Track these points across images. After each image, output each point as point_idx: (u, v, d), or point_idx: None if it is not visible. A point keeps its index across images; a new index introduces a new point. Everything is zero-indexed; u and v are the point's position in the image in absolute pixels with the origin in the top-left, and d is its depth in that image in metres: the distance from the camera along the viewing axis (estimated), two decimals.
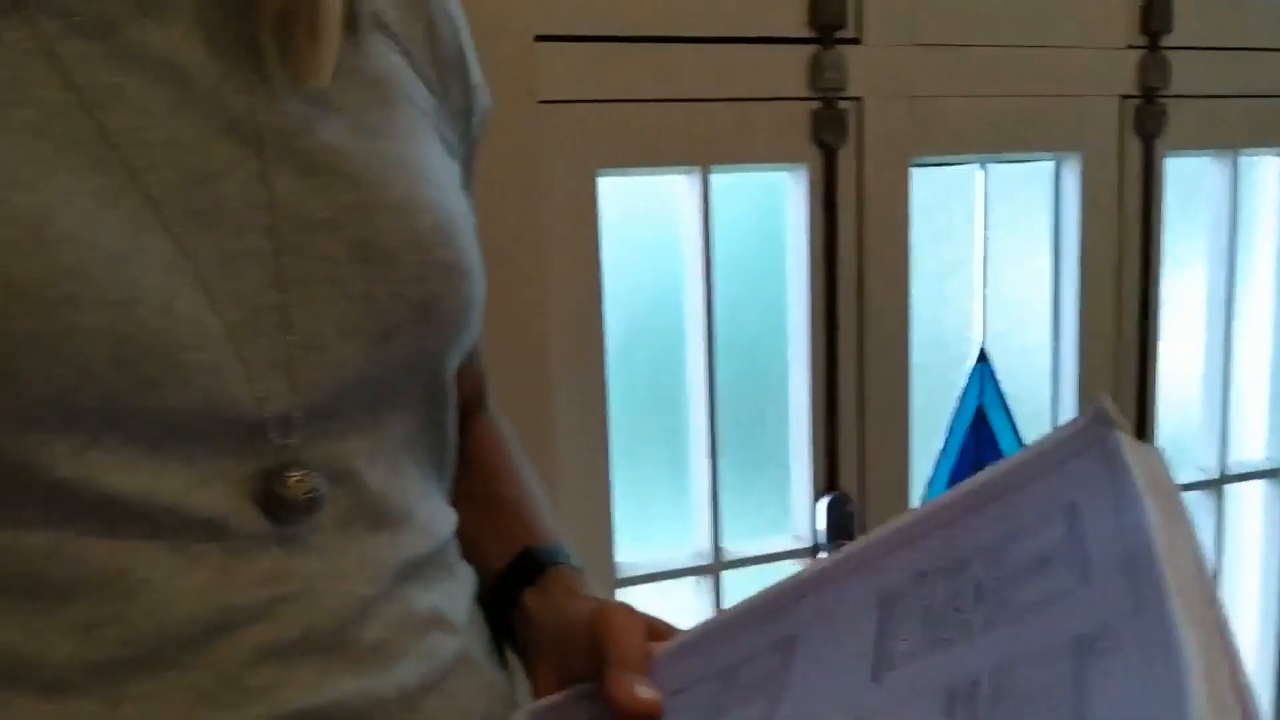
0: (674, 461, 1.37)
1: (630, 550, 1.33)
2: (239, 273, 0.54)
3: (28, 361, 0.48)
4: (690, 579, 1.38)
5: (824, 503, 1.39)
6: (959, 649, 0.45)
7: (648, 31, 1.22)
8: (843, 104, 1.33)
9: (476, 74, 0.70)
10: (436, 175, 0.63)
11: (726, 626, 0.58)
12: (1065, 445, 0.49)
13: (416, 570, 0.61)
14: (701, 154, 1.28)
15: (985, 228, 1.50)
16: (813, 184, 1.33)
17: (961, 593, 0.47)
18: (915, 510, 0.53)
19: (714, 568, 1.37)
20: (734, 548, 1.39)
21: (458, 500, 0.69)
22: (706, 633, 0.59)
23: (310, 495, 0.55)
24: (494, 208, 0.99)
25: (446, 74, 0.67)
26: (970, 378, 1.51)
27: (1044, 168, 1.51)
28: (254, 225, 0.55)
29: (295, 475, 0.55)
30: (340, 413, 0.57)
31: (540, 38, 1.15)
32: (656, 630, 0.61)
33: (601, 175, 1.23)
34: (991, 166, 1.49)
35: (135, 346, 0.50)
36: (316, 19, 0.57)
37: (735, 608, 0.58)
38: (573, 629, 0.62)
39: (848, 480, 1.40)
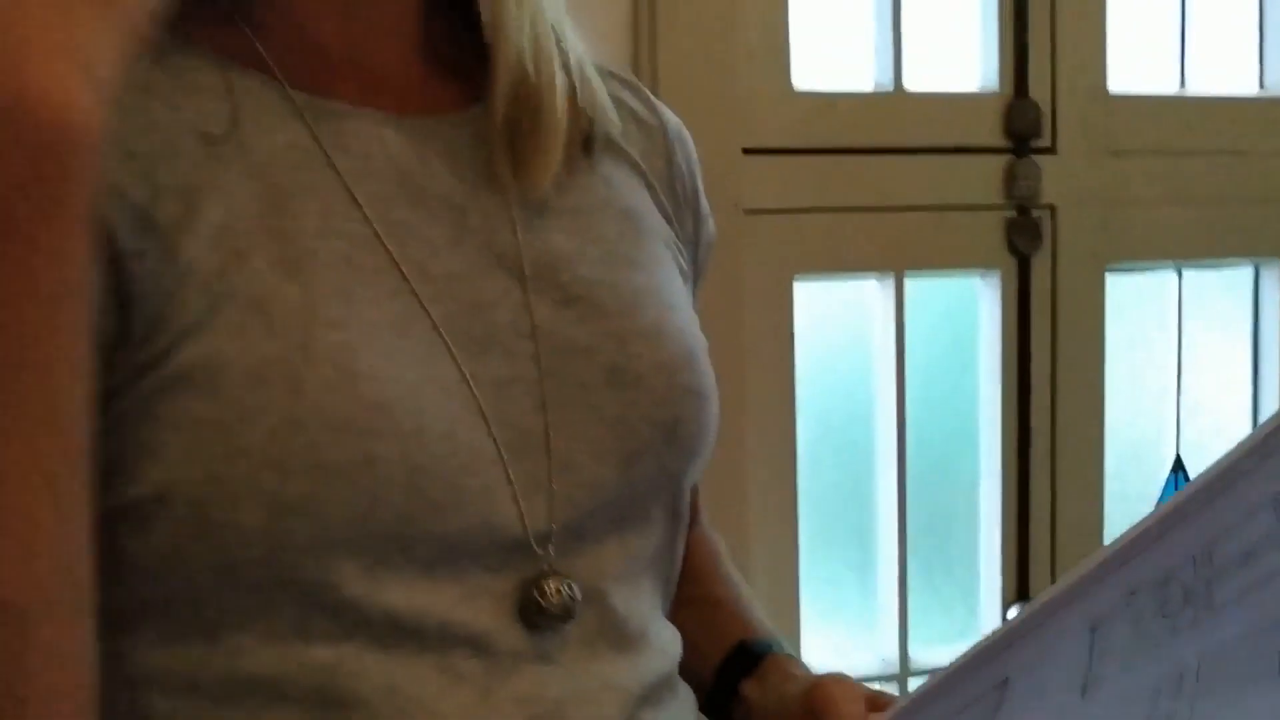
0: (862, 565, 1.37)
1: (816, 654, 1.33)
2: (509, 397, 0.58)
3: (331, 491, 0.51)
4: (876, 685, 1.36)
5: (1014, 611, 1.37)
6: (1165, 650, 0.45)
7: (846, 144, 1.26)
8: (1037, 212, 1.34)
9: (705, 205, 0.74)
10: (679, 302, 0.66)
11: (942, 684, 0.58)
12: (1271, 438, 0.49)
13: (653, 693, 0.62)
14: (896, 260, 1.30)
15: (1181, 334, 1.48)
16: (1006, 290, 1.34)
17: (1170, 600, 0.47)
18: (1123, 534, 0.53)
19: (901, 675, 1.36)
20: (921, 654, 1.37)
21: (675, 605, 0.70)
22: (923, 695, 0.59)
23: (567, 603, 0.57)
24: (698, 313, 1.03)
25: (682, 206, 0.71)
26: (1166, 487, 1.48)
27: (1243, 273, 1.49)
28: (521, 352, 0.59)
29: (553, 583, 0.57)
30: (591, 532, 0.60)
31: (748, 151, 1.19)
32: (875, 701, 0.61)
33: (798, 280, 1.26)
34: (1188, 272, 1.47)
35: (424, 474, 0.53)
36: (539, 129, 0.61)
37: (949, 666, 0.59)
38: (791, 707, 0.63)
39: (1039, 588, 1.38)
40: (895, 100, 1.29)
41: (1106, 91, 1.37)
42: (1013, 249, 1.33)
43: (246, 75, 0.58)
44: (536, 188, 0.61)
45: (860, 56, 1.30)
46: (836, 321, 1.34)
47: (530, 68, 0.61)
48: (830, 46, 1.29)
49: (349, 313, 0.54)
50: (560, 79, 0.62)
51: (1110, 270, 1.39)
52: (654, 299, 0.64)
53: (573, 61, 0.65)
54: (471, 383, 0.57)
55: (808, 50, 1.26)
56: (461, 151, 0.61)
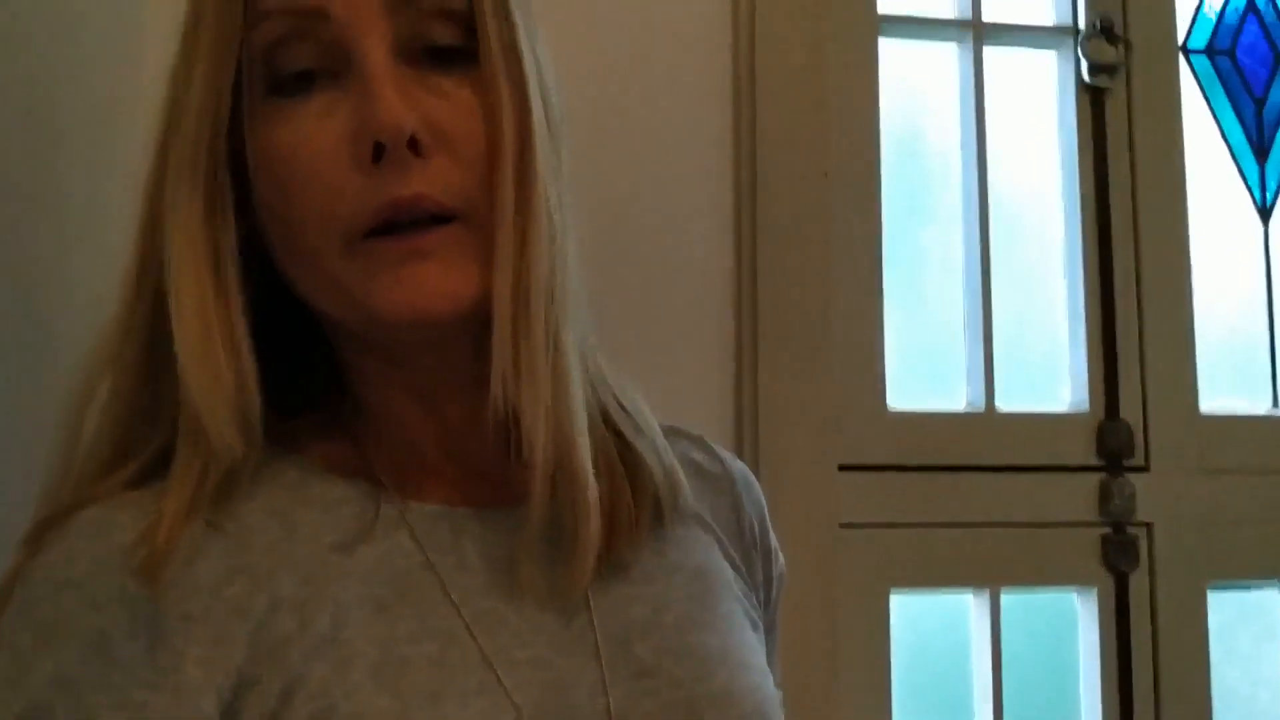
0: None
1: None
2: None
3: None
4: None
5: None
6: None
7: (940, 461, 1.30)
8: (1133, 529, 1.34)
9: (774, 541, 0.78)
10: (752, 659, 0.70)
11: None
12: None
13: None
14: (991, 575, 1.31)
15: None
16: (1104, 607, 1.34)
17: None
18: None
19: None
20: None
21: None
22: None
23: None
24: (792, 622, 1.05)
25: (751, 552, 0.75)
26: None
27: None
28: None
29: None
30: None
31: (843, 467, 1.24)
32: None
33: (895, 593, 1.28)
34: None
35: None
36: (574, 538, 0.64)
37: None
38: None
39: None
40: (987, 419, 1.34)
41: (1198, 411, 1.39)
42: (1109, 566, 1.34)
43: (354, 485, 0.65)
44: (575, 587, 0.64)
45: (952, 376, 1.35)
46: (933, 635, 1.34)
47: (561, 487, 0.63)
48: (923, 367, 1.35)
49: (436, 716, 0.58)
50: (592, 487, 0.64)
51: (1212, 588, 1.38)
52: (725, 661, 0.67)
53: (642, 440, 0.69)
54: None
55: (901, 371, 1.32)
56: (526, 544, 0.64)
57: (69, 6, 0.96)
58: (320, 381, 0.67)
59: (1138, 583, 1.34)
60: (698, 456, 0.76)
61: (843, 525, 1.23)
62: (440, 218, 0.61)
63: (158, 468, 0.62)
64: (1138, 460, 1.36)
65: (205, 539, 0.60)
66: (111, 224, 0.86)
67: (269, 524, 0.62)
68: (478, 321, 0.62)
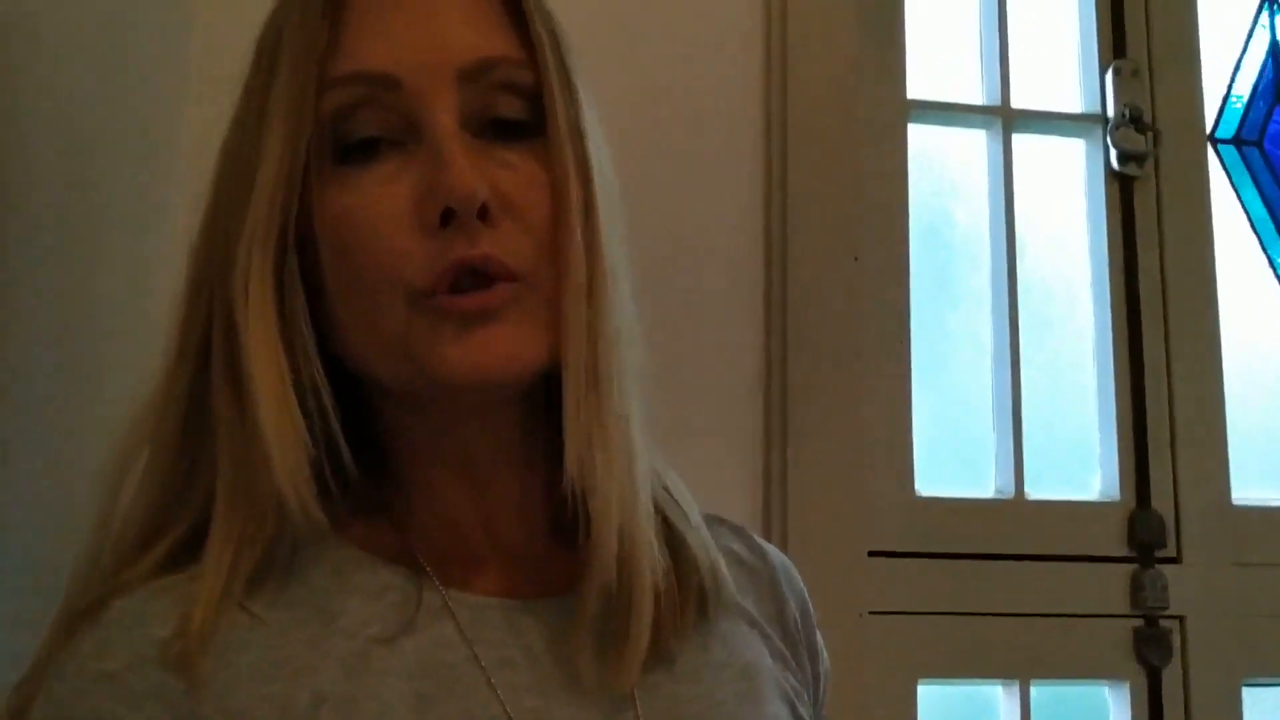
0: None
1: None
2: None
3: None
4: None
5: None
6: None
7: (969, 549, 1.28)
8: (1165, 622, 1.32)
9: (819, 639, 0.76)
10: None
11: None
12: None
13: None
14: (1021, 667, 1.29)
15: None
16: (1136, 701, 1.31)
17: None
18: None
19: None
20: None
21: None
22: None
23: None
24: None
25: (798, 646, 0.73)
26: None
27: None
28: None
29: None
30: None
31: (873, 554, 1.22)
32: None
33: (923, 684, 1.25)
34: None
35: None
36: (625, 632, 0.62)
37: None
38: None
39: None
40: (1016, 507, 1.32)
41: (1231, 502, 1.37)
42: (1141, 659, 1.31)
43: (395, 571, 0.63)
44: (625, 679, 0.62)
45: (982, 463, 1.34)
46: None
47: (624, 569, 0.62)
48: (952, 453, 1.34)
49: None
50: (653, 570, 0.62)
51: (1247, 683, 1.35)
52: None
53: (687, 526, 0.67)
54: None
55: (930, 456, 1.30)
56: (585, 627, 0.62)
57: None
58: (359, 461, 0.65)
59: (1170, 677, 1.31)
60: (737, 547, 0.74)
61: (871, 613, 1.21)
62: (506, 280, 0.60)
63: (189, 547, 0.61)
64: (1169, 551, 1.34)
65: (244, 629, 0.58)
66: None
67: (308, 614, 0.60)
68: (531, 396, 0.61)
